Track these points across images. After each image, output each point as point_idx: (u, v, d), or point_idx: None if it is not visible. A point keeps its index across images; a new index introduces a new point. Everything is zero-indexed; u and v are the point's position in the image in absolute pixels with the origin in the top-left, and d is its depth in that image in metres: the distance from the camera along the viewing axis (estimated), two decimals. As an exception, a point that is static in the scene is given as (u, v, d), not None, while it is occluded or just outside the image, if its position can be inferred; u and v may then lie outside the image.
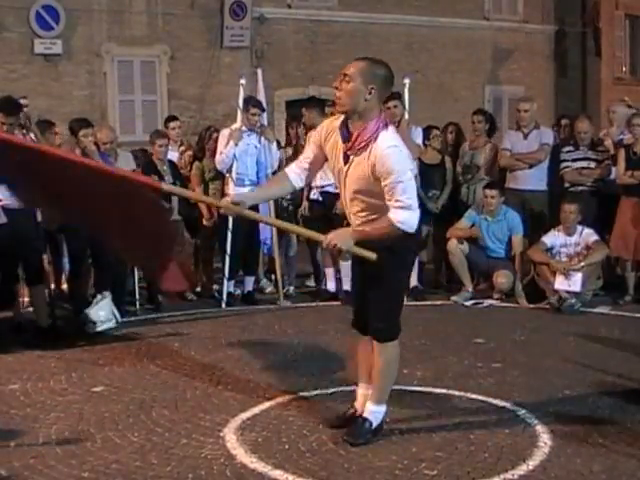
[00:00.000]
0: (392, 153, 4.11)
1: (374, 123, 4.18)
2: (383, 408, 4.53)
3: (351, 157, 4.23)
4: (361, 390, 4.70)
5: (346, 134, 4.23)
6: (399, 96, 8.44)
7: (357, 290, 4.66)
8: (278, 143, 10.14)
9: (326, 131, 4.37)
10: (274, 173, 8.59)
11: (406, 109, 8.45)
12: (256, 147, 8.42)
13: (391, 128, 4.25)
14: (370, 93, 4.15)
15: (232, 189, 8.32)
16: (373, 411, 4.50)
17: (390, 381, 4.54)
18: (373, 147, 4.14)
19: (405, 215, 4.14)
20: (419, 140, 8.63)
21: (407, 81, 8.46)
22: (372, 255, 4.19)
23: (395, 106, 8.38)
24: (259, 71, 8.74)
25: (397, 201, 4.12)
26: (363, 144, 4.16)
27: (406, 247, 4.39)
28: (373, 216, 4.28)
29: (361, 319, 4.55)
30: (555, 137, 9.47)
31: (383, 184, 4.12)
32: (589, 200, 8.52)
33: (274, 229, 8.43)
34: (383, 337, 4.40)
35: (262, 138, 8.46)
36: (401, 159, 4.14)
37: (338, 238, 4.24)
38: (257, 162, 8.44)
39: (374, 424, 4.47)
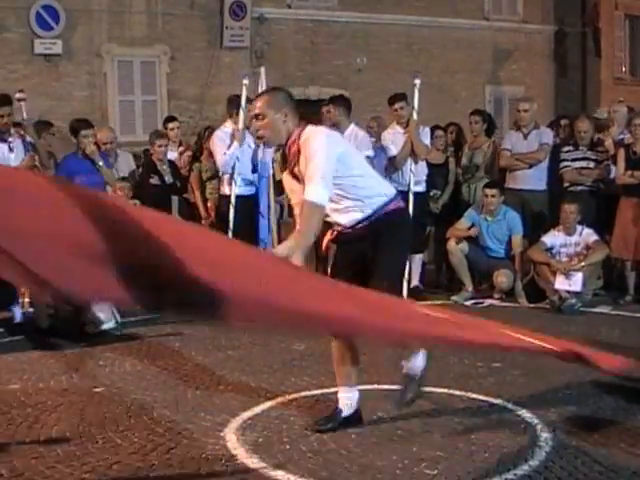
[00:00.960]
0: (307, 140, 4.25)
1: (296, 132, 4.33)
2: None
3: (295, 171, 4.36)
4: (341, 393, 4.72)
5: (285, 162, 4.46)
6: (404, 97, 8.43)
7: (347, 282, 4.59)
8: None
9: (284, 178, 4.56)
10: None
11: (415, 109, 8.44)
12: (250, 147, 8.40)
13: (309, 126, 4.38)
14: (286, 115, 4.33)
15: (228, 190, 8.32)
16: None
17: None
18: (301, 147, 4.28)
19: (314, 189, 4.17)
20: (427, 140, 8.63)
21: (417, 81, 8.44)
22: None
23: (401, 107, 8.40)
24: (262, 70, 8.69)
25: (308, 180, 4.19)
26: (294, 149, 4.31)
27: (403, 238, 4.53)
28: (344, 205, 4.40)
29: None
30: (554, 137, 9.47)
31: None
32: (589, 200, 8.53)
33: (273, 229, 8.45)
34: None
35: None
36: (315, 142, 4.23)
37: (280, 250, 4.30)
38: (252, 162, 8.41)
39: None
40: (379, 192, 4.48)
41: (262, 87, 8.50)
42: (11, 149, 7.31)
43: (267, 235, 8.59)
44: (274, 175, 8.98)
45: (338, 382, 4.72)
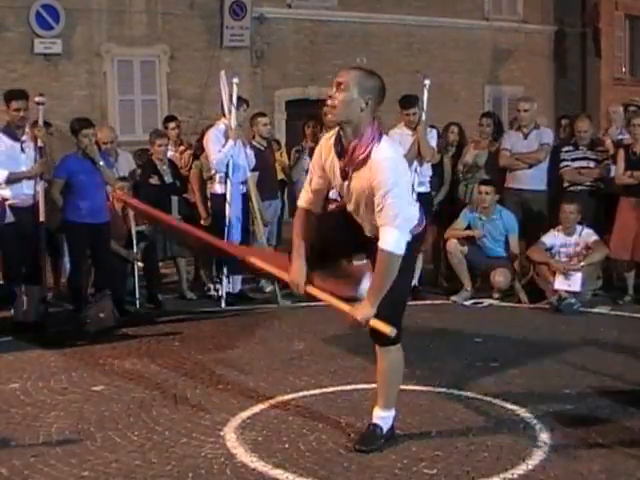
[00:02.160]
0: (386, 166, 3.96)
1: (369, 135, 4.01)
2: (392, 413, 4.49)
3: (349, 172, 4.10)
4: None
5: (340, 149, 4.10)
6: (417, 102, 8.41)
7: None
8: (277, 143, 10.17)
9: (324, 150, 4.24)
10: (254, 170, 8.59)
11: (424, 110, 8.43)
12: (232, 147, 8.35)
13: (385, 138, 4.08)
14: (367, 104, 3.99)
15: (219, 188, 8.31)
16: (382, 417, 4.45)
17: (396, 385, 4.49)
18: (370, 160, 4.00)
19: (393, 238, 3.99)
20: (433, 142, 8.62)
21: (427, 82, 8.42)
22: (392, 332, 4.13)
23: (414, 113, 8.38)
24: (222, 73, 8.52)
25: (385, 222, 3.98)
26: (361, 157, 4.01)
27: (411, 249, 4.37)
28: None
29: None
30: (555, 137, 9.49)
31: (375, 198, 3.99)
32: (588, 200, 8.53)
33: (260, 230, 8.46)
34: (387, 340, 4.31)
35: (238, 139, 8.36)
36: (395, 171, 3.97)
37: (360, 313, 4.10)
38: (235, 164, 8.36)
39: (384, 429, 4.43)
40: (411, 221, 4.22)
41: (224, 91, 8.35)
42: (23, 149, 7.19)
43: (239, 238, 8.48)
44: (269, 172, 9.00)
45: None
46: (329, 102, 4.06)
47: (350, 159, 4.06)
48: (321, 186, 4.33)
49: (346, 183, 4.14)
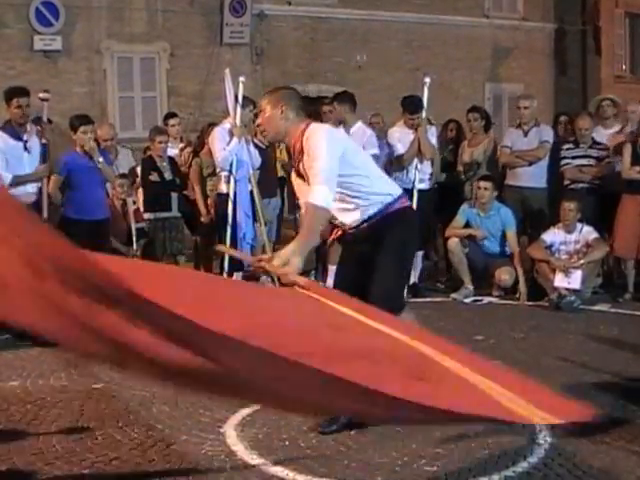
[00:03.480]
0: (309, 136, 4.21)
1: (299, 130, 4.30)
2: None
3: (301, 169, 4.32)
4: None
5: (291, 160, 4.52)
6: (420, 107, 8.39)
7: (351, 281, 4.49)
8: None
9: (292, 176, 4.55)
10: (259, 169, 8.59)
11: (424, 108, 8.42)
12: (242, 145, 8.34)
13: (313, 124, 4.36)
14: (282, 112, 4.32)
15: (225, 188, 8.30)
16: None
17: None
18: (304, 145, 4.24)
19: (318, 192, 4.07)
20: (433, 140, 8.63)
21: (427, 80, 8.41)
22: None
23: (418, 117, 8.38)
24: (227, 71, 8.52)
25: (312, 181, 4.13)
26: (299, 149, 4.29)
27: (407, 239, 4.46)
28: (348, 204, 4.37)
29: None
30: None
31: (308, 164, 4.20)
32: (589, 198, 8.52)
33: (262, 230, 8.45)
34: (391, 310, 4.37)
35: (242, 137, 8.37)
36: (316, 136, 4.20)
37: (289, 269, 3.76)
38: (239, 160, 8.35)
39: None
40: (384, 191, 4.44)
41: (229, 89, 8.36)
42: (27, 148, 7.10)
43: (252, 234, 8.51)
44: (269, 170, 8.99)
45: None
46: (260, 128, 4.66)
47: (294, 159, 4.39)
48: None
49: (305, 178, 4.29)
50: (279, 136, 4.48)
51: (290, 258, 3.78)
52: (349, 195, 4.34)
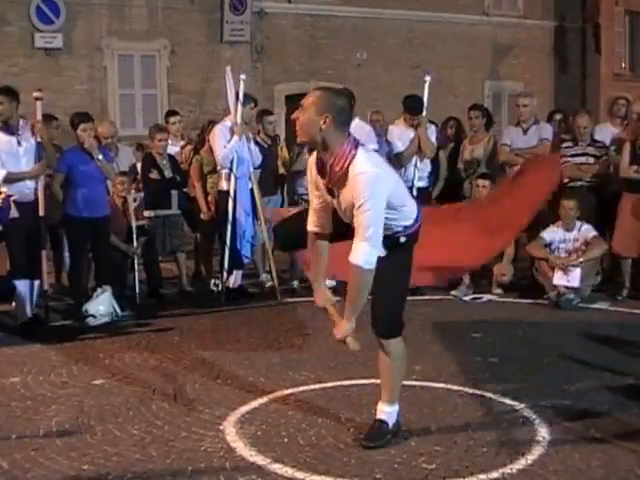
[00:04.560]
0: (361, 179, 3.95)
1: (342, 152, 4.01)
2: (396, 407, 4.49)
3: (335, 190, 4.13)
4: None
5: (320, 167, 4.16)
6: (420, 110, 8.38)
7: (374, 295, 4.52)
8: (278, 138, 10.15)
9: (311, 169, 4.30)
10: (260, 166, 8.60)
11: (424, 106, 8.41)
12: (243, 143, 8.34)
13: (361, 152, 4.04)
14: (325, 122, 3.99)
15: (226, 185, 8.31)
16: (388, 412, 4.45)
17: (399, 379, 4.49)
18: (348, 177, 4.01)
19: (363, 252, 3.99)
20: (433, 138, 8.63)
21: (428, 78, 8.41)
22: (355, 346, 4.17)
23: (419, 118, 8.38)
24: (228, 69, 8.53)
25: (358, 235, 3.99)
26: (339, 174, 4.03)
27: (408, 248, 4.40)
28: None
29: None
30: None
31: (355, 211, 3.99)
32: (588, 195, 8.53)
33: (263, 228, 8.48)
34: (387, 332, 4.36)
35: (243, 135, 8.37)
36: (369, 184, 3.95)
37: (338, 331, 4.18)
38: (240, 158, 8.35)
39: (390, 424, 4.44)
40: (407, 219, 4.28)
41: (230, 87, 8.36)
42: (20, 143, 7.08)
43: (252, 232, 8.53)
44: (269, 168, 9.00)
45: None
46: (296, 124, 4.15)
47: (330, 178, 4.10)
48: (322, 204, 4.31)
49: (335, 201, 4.18)
50: (312, 144, 4.14)
51: (351, 328, 4.14)
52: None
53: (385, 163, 4.34)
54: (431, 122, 9.04)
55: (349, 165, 4.00)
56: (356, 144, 4.07)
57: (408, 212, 4.29)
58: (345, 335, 4.15)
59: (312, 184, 4.32)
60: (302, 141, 4.18)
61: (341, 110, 4.06)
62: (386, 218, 4.12)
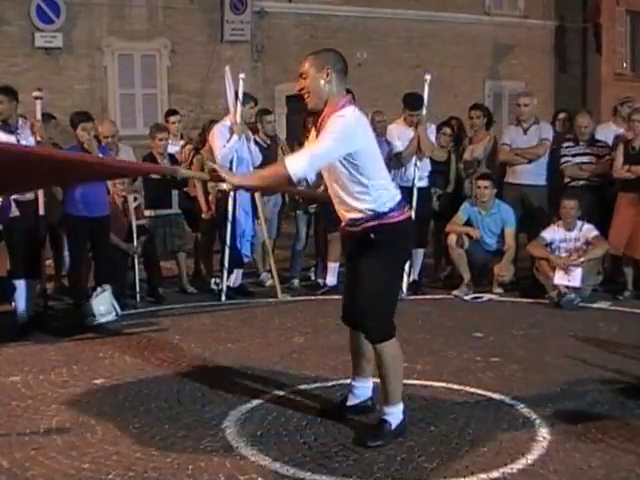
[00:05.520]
0: (335, 119, 4.13)
1: (339, 101, 4.21)
2: (399, 406, 4.47)
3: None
4: (356, 383, 4.74)
5: (316, 121, 4.33)
6: (421, 105, 8.36)
7: (347, 286, 4.64)
8: (278, 138, 10.15)
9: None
10: (260, 166, 8.60)
11: (425, 105, 8.40)
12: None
13: (352, 106, 4.25)
14: (327, 75, 4.19)
15: (226, 185, 8.29)
16: (390, 412, 4.44)
17: (398, 379, 4.46)
18: (331, 118, 4.17)
19: (300, 160, 4.10)
20: (432, 137, 8.60)
21: (428, 77, 8.36)
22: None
23: (417, 115, 8.35)
24: (227, 68, 8.53)
25: (305, 148, 4.20)
26: (326, 119, 4.19)
27: (400, 244, 4.38)
28: (345, 200, 4.30)
29: (349, 314, 4.58)
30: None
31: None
32: (589, 195, 8.52)
33: (263, 225, 8.48)
34: (376, 337, 4.34)
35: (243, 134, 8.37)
36: (340, 124, 4.11)
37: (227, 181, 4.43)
38: (239, 157, 8.35)
39: (393, 425, 4.42)
40: (381, 200, 4.26)
41: (229, 86, 8.36)
42: (19, 142, 7.03)
43: (252, 231, 8.54)
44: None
45: (356, 373, 4.75)
46: (301, 94, 4.28)
47: (320, 123, 4.25)
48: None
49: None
50: (320, 104, 4.24)
51: (229, 178, 4.42)
52: (347, 192, 4.25)
53: (369, 127, 4.42)
54: (444, 124, 8.98)
55: (336, 111, 4.17)
56: (349, 101, 4.27)
57: (383, 192, 4.28)
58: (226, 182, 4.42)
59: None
60: (314, 105, 4.27)
61: (337, 60, 4.31)
62: (357, 182, 4.21)
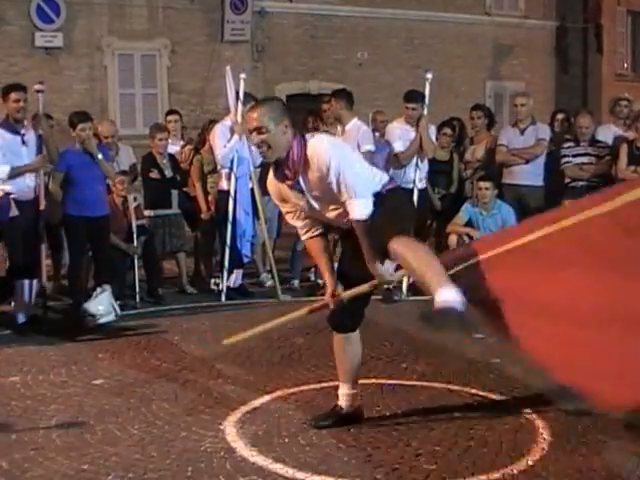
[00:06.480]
0: (321, 150, 4.12)
1: (294, 143, 4.17)
2: (451, 291, 3.87)
3: (301, 181, 4.22)
4: (342, 390, 4.68)
5: (279, 174, 4.28)
6: (420, 99, 8.34)
7: (347, 264, 4.58)
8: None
9: (272, 189, 4.47)
10: (260, 166, 8.60)
11: (426, 104, 8.38)
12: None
13: (307, 136, 4.24)
14: (286, 127, 4.17)
15: (226, 185, 8.30)
16: (445, 299, 3.84)
17: (430, 263, 4.02)
18: (309, 159, 4.14)
19: (359, 207, 4.12)
20: (433, 137, 8.60)
21: (429, 76, 8.34)
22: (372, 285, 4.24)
23: (414, 108, 8.33)
24: (228, 69, 8.54)
25: (348, 196, 4.12)
26: (297, 162, 4.16)
27: (399, 201, 4.42)
28: (339, 209, 4.28)
29: (339, 314, 4.51)
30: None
31: (333, 180, 4.10)
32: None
33: (263, 226, 8.47)
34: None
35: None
36: (331, 149, 4.14)
37: (380, 276, 4.22)
38: (240, 157, 8.34)
39: (458, 307, 3.84)
40: (374, 185, 4.31)
41: (230, 86, 8.36)
42: (24, 142, 7.06)
43: (252, 231, 8.53)
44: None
45: (339, 377, 4.70)
46: (261, 150, 4.21)
47: (291, 171, 4.21)
48: (298, 213, 4.44)
49: (305, 191, 4.25)
50: (280, 155, 4.20)
51: (376, 271, 4.15)
52: (340, 202, 4.23)
53: (338, 140, 4.52)
54: (445, 124, 8.95)
55: (305, 149, 4.15)
56: (302, 134, 4.26)
57: (370, 180, 4.31)
58: (383, 277, 4.21)
59: (279, 200, 4.47)
60: (277, 158, 4.22)
61: (286, 110, 4.28)
62: None
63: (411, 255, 4.03)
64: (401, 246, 4.04)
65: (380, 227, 4.13)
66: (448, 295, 3.85)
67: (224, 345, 4.09)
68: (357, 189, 4.13)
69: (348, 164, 4.14)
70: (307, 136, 4.26)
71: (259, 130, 4.15)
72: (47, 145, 7.34)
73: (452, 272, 4.06)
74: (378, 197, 4.26)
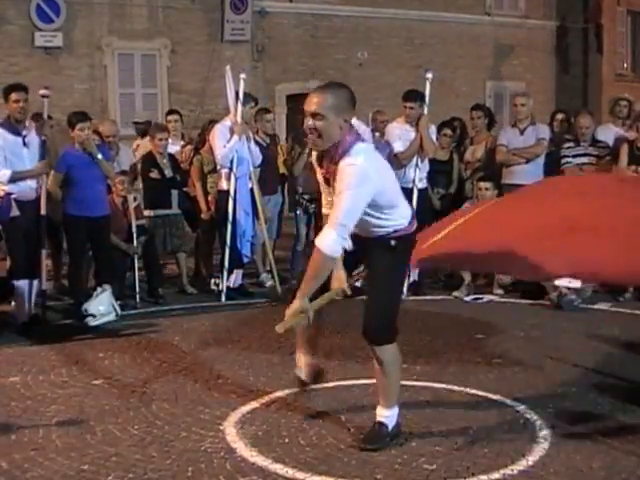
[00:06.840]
0: (348, 171, 3.95)
1: (345, 142, 4.02)
2: (395, 410, 4.44)
3: (331, 181, 4.14)
4: (299, 355, 4.74)
5: (321, 161, 4.19)
6: (419, 98, 8.33)
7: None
8: (277, 137, 10.13)
9: (314, 163, 4.36)
10: (260, 166, 8.59)
11: (426, 104, 8.37)
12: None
13: (358, 147, 4.03)
14: (345, 121, 4.01)
15: (226, 185, 8.29)
16: (386, 415, 4.40)
17: (395, 384, 4.42)
18: (339, 169, 4.00)
19: (329, 239, 3.96)
20: (433, 137, 8.59)
21: (430, 75, 8.31)
22: (279, 329, 4.13)
23: (412, 107, 8.31)
24: (228, 68, 8.52)
25: (330, 220, 3.99)
26: (335, 164, 4.05)
27: (409, 252, 4.39)
28: (366, 232, 4.24)
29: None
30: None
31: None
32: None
33: (263, 226, 8.47)
34: (382, 339, 4.30)
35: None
36: (355, 176, 3.93)
37: (290, 312, 4.13)
38: (239, 157, 8.33)
39: (390, 427, 4.40)
40: (398, 221, 4.25)
41: (230, 86, 8.36)
42: (25, 144, 7.04)
43: (252, 232, 8.53)
44: (270, 168, 8.98)
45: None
46: (310, 134, 4.06)
47: (327, 168, 4.13)
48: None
49: (330, 189, 4.20)
50: (325, 147, 4.06)
51: (296, 301, 4.08)
52: (367, 225, 4.19)
53: (382, 161, 4.30)
54: (445, 124, 8.94)
55: (345, 156, 4.01)
56: (356, 138, 4.08)
57: (398, 214, 4.26)
58: (293, 312, 4.11)
59: (320, 183, 4.37)
60: (321, 147, 4.09)
61: (351, 104, 4.09)
62: (376, 217, 4.16)
63: (396, 367, 4.37)
64: (392, 356, 4.33)
65: (378, 276, 4.24)
66: (394, 412, 4.43)
67: (276, 331, 4.06)
68: (340, 220, 3.95)
69: (353, 196, 3.94)
70: (357, 146, 4.03)
71: (315, 116, 4.00)
72: (49, 151, 7.33)
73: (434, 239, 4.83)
74: (401, 237, 4.23)
